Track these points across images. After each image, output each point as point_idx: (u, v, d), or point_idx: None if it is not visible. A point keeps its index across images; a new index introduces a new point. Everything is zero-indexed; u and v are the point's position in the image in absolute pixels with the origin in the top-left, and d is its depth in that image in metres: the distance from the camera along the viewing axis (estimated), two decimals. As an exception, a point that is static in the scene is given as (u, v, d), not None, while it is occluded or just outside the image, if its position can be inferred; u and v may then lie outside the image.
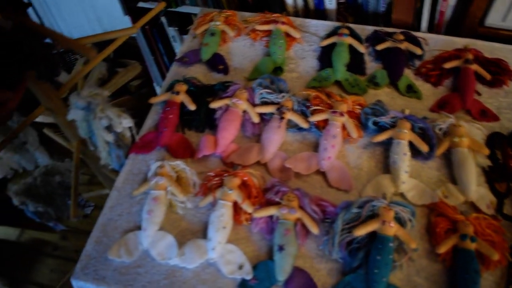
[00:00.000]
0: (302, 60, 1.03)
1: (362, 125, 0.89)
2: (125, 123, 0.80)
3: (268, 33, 1.06)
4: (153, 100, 0.93)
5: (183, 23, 1.42)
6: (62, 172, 1.11)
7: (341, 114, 0.86)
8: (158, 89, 1.68)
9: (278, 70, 1.00)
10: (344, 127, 0.87)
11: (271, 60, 1.01)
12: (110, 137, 0.81)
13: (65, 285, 1.72)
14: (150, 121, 0.93)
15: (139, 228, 0.79)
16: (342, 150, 0.87)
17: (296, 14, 1.21)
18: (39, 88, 0.91)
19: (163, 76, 1.63)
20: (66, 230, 1.40)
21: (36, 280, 1.86)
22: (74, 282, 0.77)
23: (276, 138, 0.86)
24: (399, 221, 0.74)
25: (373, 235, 0.72)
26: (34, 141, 1.07)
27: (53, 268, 1.88)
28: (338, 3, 1.19)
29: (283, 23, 1.05)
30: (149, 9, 1.39)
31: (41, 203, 1.06)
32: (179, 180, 0.81)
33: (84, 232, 1.94)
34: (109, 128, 0.81)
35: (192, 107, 0.90)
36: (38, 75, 0.79)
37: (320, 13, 1.21)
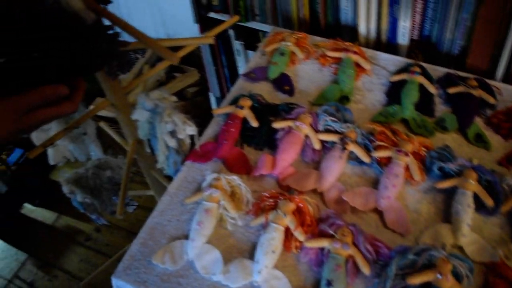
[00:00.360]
0: (369, 92, 1.01)
1: (426, 168, 0.86)
2: (189, 130, 0.80)
3: (338, 60, 1.05)
4: (217, 111, 0.93)
5: (250, 38, 1.43)
6: (113, 167, 1.13)
7: (406, 154, 0.83)
8: (213, 99, 1.69)
9: (344, 99, 0.98)
10: (407, 168, 0.84)
11: (338, 88, 0.99)
12: (173, 143, 0.81)
13: (94, 278, 1.73)
14: (210, 131, 0.93)
15: (186, 237, 0.78)
16: (402, 192, 0.84)
17: (367, 45, 1.20)
18: (107, 83, 0.93)
19: (221, 87, 1.64)
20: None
21: (65, 267, 1.89)
22: (114, 281, 0.76)
23: (336, 168, 0.84)
24: (456, 275, 0.70)
25: (426, 285, 0.69)
26: (92, 134, 1.08)
27: (83, 258, 1.91)
28: (411, 40, 1.17)
29: (354, 52, 1.04)
30: (217, 20, 1.43)
31: (89, 195, 1.08)
32: (232, 196, 0.80)
33: (117, 227, 1.97)
34: (172, 133, 0.81)
35: (254, 123, 0.89)
36: (109, 71, 0.80)
37: (391, 47, 1.19)
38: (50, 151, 1.17)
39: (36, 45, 0.62)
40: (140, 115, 0.83)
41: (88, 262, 1.89)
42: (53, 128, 1.05)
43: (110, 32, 0.70)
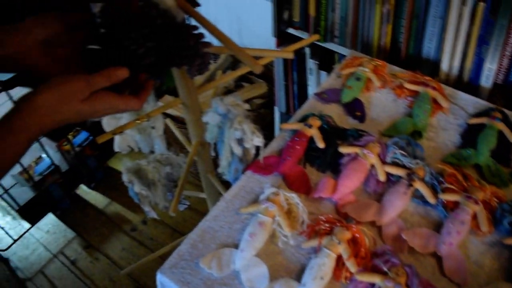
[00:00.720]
0: (444, 131, 0.97)
1: (495, 220, 0.81)
2: (256, 141, 0.80)
3: (415, 93, 1.02)
4: (285, 127, 0.93)
5: (325, 59, 1.42)
6: (173, 164, 1.15)
7: (476, 202, 0.79)
8: (277, 114, 1.69)
9: (416, 134, 0.95)
10: (474, 216, 0.79)
11: (411, 122, 0.96)
12: (238, 150, 0.81)
13: (133, 270, 1.77)
14: (275, 145, 0.92)
15: (236, 246, 0.77)
16: (466, 241, 0.79)
17: (447, 82, 1.15)
18: (183, 82, 0.95)
19: (287, 103, 1.63)
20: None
21: (107, 252, 1.94)
22: (159, 276, 0.77)
23: (398, 204, 0.81)
24: None
25: None
26: (159, 129, 1.11)
27: (125, 247, 1.95)
28: (495, 83, 1.12)
29: (433, 88, 1.00)
30: (295, 36, 1.43)
31: (146, 187, 1.10)
32: (288, 213, 0.79)
33: (163, 223, 2.00)
34: (239, 141, 0.81)
35: (321, 144, 0.88)
36: (189, 70, 0.81)
37: (472, 88, 1.14)
38: (117, 138, 1.21)
39: (130, 37, 0.65)
40: (211, 118, 0.84)
41: (130, 251, 1.94)
42: (125, 117, 1.08)
43: (196, 32, 0.72)
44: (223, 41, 0.69)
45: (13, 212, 2.05)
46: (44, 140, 2.02)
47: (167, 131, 1.92)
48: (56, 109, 0.57)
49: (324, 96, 1.03)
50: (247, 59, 0.63)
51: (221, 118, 0.84)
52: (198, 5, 0.93)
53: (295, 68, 1.52)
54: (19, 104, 0.56)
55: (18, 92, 2.23)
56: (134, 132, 1.18)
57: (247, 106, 0.83)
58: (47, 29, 0.66)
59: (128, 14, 0.67)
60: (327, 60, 1.43)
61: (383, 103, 1.03)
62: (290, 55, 0.84)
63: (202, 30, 0.73)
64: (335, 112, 1.00)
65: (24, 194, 2.02)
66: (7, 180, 1.94)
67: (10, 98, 1.66)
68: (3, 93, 1.66)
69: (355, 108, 1.00)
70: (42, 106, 0.56)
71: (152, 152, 1.22)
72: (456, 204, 0.81)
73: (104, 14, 0.67)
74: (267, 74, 2.03)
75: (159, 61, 0.69)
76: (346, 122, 0.98)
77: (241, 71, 0.96)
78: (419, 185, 0.82)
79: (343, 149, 0.87)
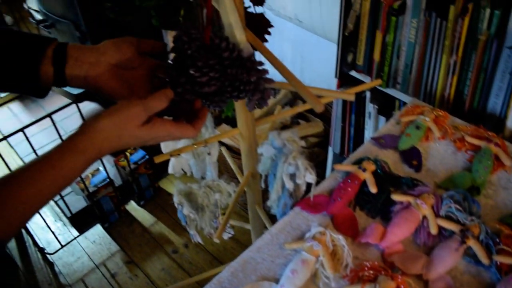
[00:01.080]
0: (504, 190, 0.93)
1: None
2: (308, 177, 0.80)
3: (476, 148, 0.99)
4: (338, 167, 0.93)
5: (385, 104, 1.41)
6: (222, 192, 1.16)
7: (534, 269, 0.74)
8: (331, 154, 1.69)
9: (474, 190, 0.92)
10: (532, 284, 0.74)
11: (470, 177, 0.93)
12: (290, 185, 0.82)
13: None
14: (326, 185, 0.92)
15: (276, 281, 0.77)
16: (520, 309, 0.74)
17: (511, 140, 1.11)
18: (242, 114, 0.97)
19: (342, 144, 1.63)
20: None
21: (147, 270, 1.97)
22: (197, 300, 0.77)
23: (448, 261, 0.77)
24: None
25: None
26: (214, 155, 1.14)
27: (165, 268, 1.98)
28: None
29: (496, 144, 0.97)
30: (356, 79, 1.44)
31: (194, 210, 1.12)
32: (333, 255, 0.78)
33: (204, 250, 2.02)
34: (292, 176, 0.82)
35: (373, 189, 0.87)
36: (249, 103, 0.84)
37: (538, 149, 1.09)
38: (172, 160, 1.26)
39: (196, 65, 0.68)
40: (266, 150, 0.86)
41: (168, 273, 1.96)
42: (183, 140, 1.12)
43: (260, 67, 0.74)
44: (287, 78, 0.70)
45: (64, 218, 2.15)
46: (103, 154, 2.11)
47: (220, 159, 1.95)
48: (115, 134, 0.60)
49: (381, 141, 1.02)
50: (310, 97, 0.64)
51: (276, 152, 0.85)
52: (265, 41, 0.96)
53: (354, 111, 1.52)
54: (83, 127, 0.60)
55: (86, 105, 2.37)
56: (189, 156, 1.22)
57: (303, 143, 0.83)
58: (120, 52, 0.70)
59: (199, 43, 0.70)
60: (387, 106, 1.42)
61: (442, 154, 1.00)
62: (352, 97, 0.84)
63: (267, 65, 0.75)
64: (390, 158, 0.99)
65: (77, 202, 2.11)
66: (65, 188, 2.03)
67: (79, 110, 1.76)
68: (73, 105, 1.77)
69: (412, 157, 0.98)
70: (103, 130, 0.59)
71: (203, 178, 1.24)
72: (511, 268, 0.76)
73: (177, 41, 0.71)
74: (324, 114, 2.04)
75: (220, 91, 0.72)
76: (402, 169, 0.97)
77: (301, 107, 0.98)
78: (472, 243, 0.79)
79: (396, 197, 0.86)
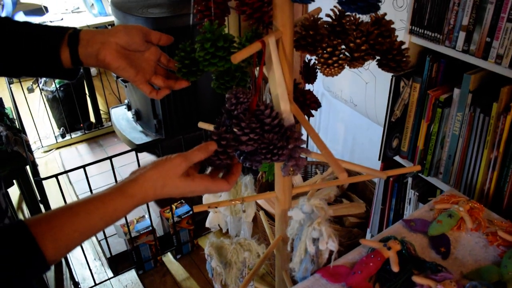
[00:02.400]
0: (534, 293, 0.91)
1: None
2: (330, 245, 0.83)
3: (509, 244, 0.97)
4: (364, 242, 0.95)
5: (426, 192, 1.42)
6: (252, 251, 1.20)
7: None
8: (369, 236, 1.68)
9: (500, 285, 0.90)
10: None
11: (497, 272, 0.92)
12: (312, 249, 0.85)
13: None
14: (350, 257, 0.94)
15: None
16: None
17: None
18: (280, 178, 1.04)
19: (380, 228, 1.63)
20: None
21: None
22: None
23: None
24: None
25: None
26: (249, 215, 1.19)
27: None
28: None
29: (531, 245, 0.96)
30: (400, 165, 1.47)
31: (222, 265, 1.16)
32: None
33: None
34: (315, 241, 0.85)
35: (395, 268, 0.88)
36: (284, 169, 0.90)
37: None
38: (211, 215, 1.32)
39: (240, 125, 0.77)
40: (295, 214, 0.90)
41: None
42: (223, 196, 1.19)
43: (298, 137, 0.81)
44: (319, 147, 0.77)
45: (103, 258, 2.23)
46: (152, 203, 2.23)
47: (258, 222, 1.99)
48: (160, 184, 0.68)
49: (412, 224, 1.03)
50: (334, 165, 0.69)
51: (305, 216, 0.89)
52: (311, 115, 1.04)
53: (395, 195, 1.54)
54: (133, 175, 0.69)
55: (145, 156, 2.52)
56: (227, 213, 1.28)
57: (330, 212, 0.88)
58: (129, 36, 0.79)
59: (246, 107, 0.79)
60: (428, 194, 1.43)
61: (472, 246, 1.00)
62: (383, 176, 0.89)
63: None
64: (418, 242, 1.00)
65: (119, 245, 2.20)
66: (110, 229, 2.14)
67: (137, 158, 1.90)
68: (133, 155, 1.91)
69: (441, 244, 0.98)
70: (149, 179, 0.68)
71: (237, 236, 1.29)
72: None
73: (227, 102, 0.80)
74: (368, 197, 2.05)
75: (256, 152, 0.79)
76: (428, 255, 0.97)
77: (337, 182, 1.02)
78: None
79: (417, 279, 0.86)
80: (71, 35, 0.77)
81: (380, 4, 0.73)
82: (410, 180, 1.45)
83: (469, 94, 1.17)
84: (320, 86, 2.25)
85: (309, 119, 1.62)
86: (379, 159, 1.50)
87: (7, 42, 0.75)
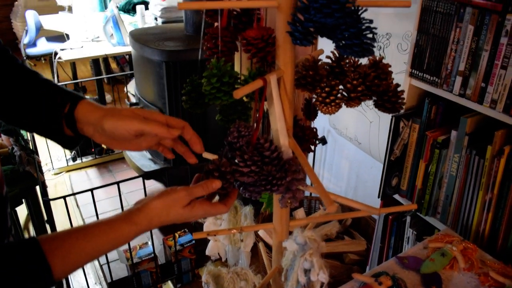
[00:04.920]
0: (523, 336, 0.92)
1: None
2: (321, 277, 0.86)
3: (500, 285, 0.99)
4: (356, 276, 0.97)
5: (424, 231, 1.44)
6: (248, 281, 1.22)
7: None
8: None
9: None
10: None
11: (488, 314, 0.93)
12: (303, 279, 0.88)
13: None
14: (341, 290, 0.97)
15: None
16: None
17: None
18: (277, 209, 1.07)
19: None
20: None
21: None
22: None
23: None
24: None
25: None
26: (248, 245, 1.22)
27: None
28: None
29: (522, 288, 0.97)
30: (399, 203, 1.49)
31: (218, 293, 1.18)
32: None
33: None
34: (306, 272, 0.88)
35: (384, 303, 0.90)
36: (281, 200, 0.94)
37: None
38: (210, 244, 1.35)
39: (242, 157, 0.81)
40: (289, 245, 0.93)
41: None
42: (223, 225, 1.22)
43: (295, 170, 0.85)
44: (312, 181, 0.81)
45: (104, 283, 2.25)
46: (155, 230, 2.25)
47: (257, 253, 2.01)
48: (164, 213, 0.74)
49: (405, 261, 1.05)
50: (325, 198, 0.73)
51: (299, 247, 0.92)
52: (311, 150, 1.08)
53: (394, 234, 1.56)
54: (138, 204, 0.74)
55: (153, 183, 2.57)
56: (226, 242, 1.31)
57: (323, 244, 0.90)
58: (116, 129, 0.77)
59: (247, 140, 0.84)
60: (426, 233, 1.44)
61: (464, 285, 1.01)
62: (376, 212, 0.92)
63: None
64: (410, 279, 1.02)
65: (120, 271, 2.22)
66: (112, 254, 2.17)
67: (144, 185, 1.95)
68: (140, 182, 1.96)
69: (432, 281, 1.00)
70: (154, 209, 0.73)
71: (235, 264, 1.31)
72: None
73: (229, 135, 0.85)
74: (370, 234, 2.06)
75: (256, 183, 0.83)
76: (419, 291, 0.99)
77: (333, 217, 1.05)
78: None
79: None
80: (68, 114, 0.80)
81: (374, 48, 0.78)
82: (408, 218, 1.47)
83: (466, 136, 1.21)
84: (326, 123, 2.30)
85: (307, 155, 1.66)
86: (378, 197, 1.52)
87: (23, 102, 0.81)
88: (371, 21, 0.74)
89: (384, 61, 0.91)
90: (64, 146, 0.86)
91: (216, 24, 0.92)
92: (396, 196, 1.51)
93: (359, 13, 0.74)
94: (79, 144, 0.87)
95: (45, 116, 0.81)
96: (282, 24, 0.82)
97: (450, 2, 1.15)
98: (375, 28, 0.75)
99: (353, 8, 0.73)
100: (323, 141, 2.33)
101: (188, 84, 0.92)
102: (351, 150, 2.23)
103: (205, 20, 0.95)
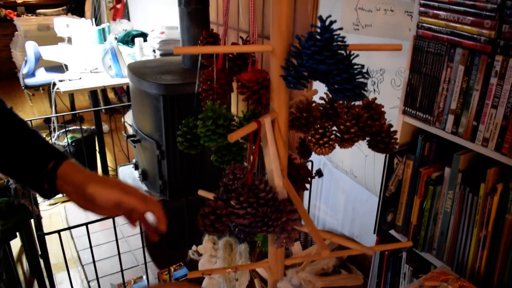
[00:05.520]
0: None
1: None
2: (316, 319, 0.85)
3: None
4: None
5: (421, 267, 1.43)
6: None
7: None
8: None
9: None
10: None
11: None
12: (297, 322, 0.87)
13: None
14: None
15: None
16: None
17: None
18: (272, 249, 1.07)
19: (375, 300, 1.62)
20: None
21: None
22: None
23: None
24: None
25: None
26: (243, 284, 1.21)
27: None
28: None
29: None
30: (395, 239, 1.49)
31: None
32: None
33: None
34: (301, 314, 0.88)
35: None
36: (276, 240, 0.94)
37: None
38: (205, 281, 1.34)
39: (237, 199, 0.82)
40: (284, 285, 0.93)
41: None
42: (218, 263, 1.22)
43: (290, 210, 0.85)
44: (306, 224, 0.81)
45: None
46: (150, 264, 2.23)
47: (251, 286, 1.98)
48: None
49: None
50: (318, 241, 0.73)
51: (294, 287, 0.92)
52: (305, 189, 1.09)
53: (390, 270, 1.55)
54: None
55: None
56: (221, 280, 1.30)
57: (318, 285, 0.90)
58: (97, 199, 0.83)
59: (242, 182, 0.85)
60: (423, 269, 1.43)
61: (460, 327, 1.01)
62: (370, 251, 0.92)
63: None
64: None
65: (115, 306, 2.18)
66: (106, 286, 2.13)
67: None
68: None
69: (428, 323, 0.99)
70: None
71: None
72: None
73: (225, 177, 0.86)
74: (368, 268, 2.05)
75: (251, 224, 0.83)
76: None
77: (326, 255, 1.05)
78: None
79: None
80: (49, 177, 0.83)
81: (366, 92, 0.80)
82: (404, 254, 1.47)
83: (459, 173, 1.22)
84: (322, 156, 2.32)
85: (303, 193, 1.66)
86: (374, 233, 1.52)
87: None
88: (362, 66, 0.76)
89: (378, 96, 0.93)
90: (41, 195, 0.87)
91: (211, 67, 0.94)
92: (392, 232, 1.50)
93: (351, 58, 0.76)
94: (55, 196, 0.88)
95: (28, 170, 0.83)
96: (276, 68, 0.84)
97: (441, 42, 1.18)
98: (367, 73, 0.77)
99: (345, 54, 0.75)
100: (319, 173, 2.34)
101: (184, 125, 0.93)
102: (347, 182, 2.23)
103: (201, 61, 0.97)
